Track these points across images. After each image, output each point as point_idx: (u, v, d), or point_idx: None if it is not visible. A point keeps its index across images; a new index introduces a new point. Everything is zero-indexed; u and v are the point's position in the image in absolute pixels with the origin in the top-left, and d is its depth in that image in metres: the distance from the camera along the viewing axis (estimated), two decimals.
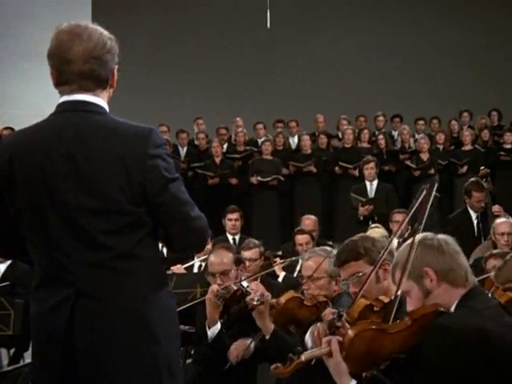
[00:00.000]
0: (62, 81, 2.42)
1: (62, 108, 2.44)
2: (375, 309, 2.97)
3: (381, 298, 3.03)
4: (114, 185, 2.33)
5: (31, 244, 2.43)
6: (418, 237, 2.63)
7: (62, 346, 2.33)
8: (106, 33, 2.45)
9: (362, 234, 3.67)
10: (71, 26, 2.43)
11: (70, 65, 2.39)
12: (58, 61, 2.41)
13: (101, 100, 2.44)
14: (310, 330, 3.20)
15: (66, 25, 2.43)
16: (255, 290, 4.00)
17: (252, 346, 3.96)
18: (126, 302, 2.35)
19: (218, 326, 4.08)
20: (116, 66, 2.47)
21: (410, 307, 2.60)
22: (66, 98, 2.44)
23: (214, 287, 4.06)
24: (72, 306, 2.33)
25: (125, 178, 2.33)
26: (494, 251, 4.97)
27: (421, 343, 2.42)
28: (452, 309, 2.52)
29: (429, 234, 2.66)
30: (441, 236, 2.66)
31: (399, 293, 2.97)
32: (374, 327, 2.48)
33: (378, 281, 3.17)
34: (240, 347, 3.98)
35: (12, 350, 6.57)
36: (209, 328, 4.08)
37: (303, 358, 2.53)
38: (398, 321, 2.53)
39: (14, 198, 2.39)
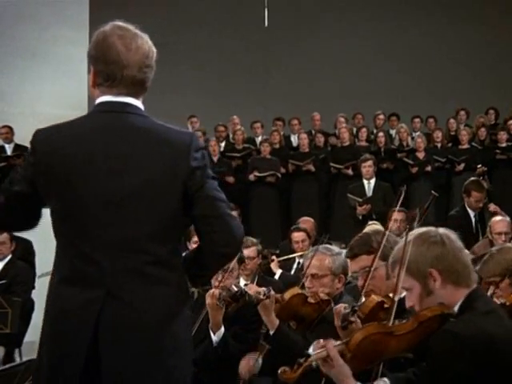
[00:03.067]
0: (110, 83, 2.44)
1: (106, 108, 2.44)
2: (385, 306, 2.98)
3: (390, 295, 3.01)
4: (161, 184, 2.36)
5: (64, 239, 2.39)
6: (420, 232, 2.59)
7: (87, 346, 2.29)
8: (148, 40, 2.52)
9: (375, 228, 3.64)
10: (120, 29, 2.45)
11: (126, 70, 2.42)
12: (110, 63, 2.42)
13: (141, 104, 2.50)
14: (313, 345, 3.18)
15: (111, 27, 2.45)
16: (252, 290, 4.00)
17: (260, 361, 3.95)
18: (155, 313, 2.34)
19: (222, 329, 4.07)
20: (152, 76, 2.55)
21: (409, 303, 2.58)
22: (110, 98, 2.44)
23: (215, 292, 4.01)
24: (101, 307, 2.31)
25: (171, 177, 2.37)
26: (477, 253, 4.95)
27: (427, 348, 2.40)
28: (456, 308, 2.50)
29: (431, 230, 2.61)
30: (443, 231, 2.61)
31: (402, 293, 2.98)
32: (380, 331, 2.47)
33: (388, 277, 3.15)
34: (249, 363, 3.97)
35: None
36: (213, 332, 4.05)
37: (310, 361, 2.49)
38: (403, 320, 2.52)
39: (52, 192, 2.37)
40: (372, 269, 3.13)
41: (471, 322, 2.40)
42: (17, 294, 6.30)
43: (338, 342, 2.57)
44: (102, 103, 2.45)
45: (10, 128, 10.86)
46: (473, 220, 7.53)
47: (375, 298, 3.00)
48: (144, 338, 2.32)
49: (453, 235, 2.60)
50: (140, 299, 2.33)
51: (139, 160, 2.36)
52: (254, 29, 14.11)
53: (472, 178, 7.85)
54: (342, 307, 3.05)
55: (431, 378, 2.39)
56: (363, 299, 3.14)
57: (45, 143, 2.40)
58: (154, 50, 2.52)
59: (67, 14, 12.00)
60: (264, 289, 3.79)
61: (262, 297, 3.74)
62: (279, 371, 2.52)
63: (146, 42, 2.49)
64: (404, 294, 3.11)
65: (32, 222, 2.53)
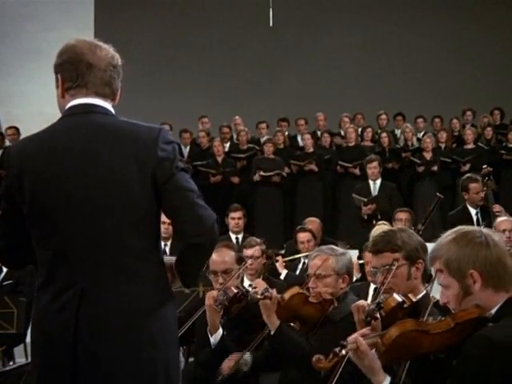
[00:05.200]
0: (79, 82, 2.48)
1: (76, 110, 2.49)
2: (405, 305, 2.99)
3: (410, 295, 3.04)
4: (132, 179, 2.39)
5: (39, 243, 2.43)
6: (464, 230, 2.56)
7: (71, 346, 2.33)
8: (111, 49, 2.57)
9: (401, 226, 3.58)
10: (83, 40, 2.53)
11: (93, 69, 2.48)
12: (77, 63, 2.47)
13: (110, 106, 2.54)
14: None
15: (75, 39, 2.53)
16: (258, 287, 4.00)
17: (248, 357, 3.94)
18: (130, 309, 2.36)
19: (220, 331, 4.05)
20: (120, 85, 2.59)
21: (443, 299, 2.56)
22: (77, 101, 2.49)
23: (213, 293, 4.00)
24: (77, 306, 2.34)
25: (140, 170, 2.40)
26: None
27: (461, 352, 2.38)
28: (493, 311, 2.47)
29: (476, 230, 2.57)
30: (487, 232, 2.57)
31: (420, 294, 2.99)
32: (417, 328, 2.47)
33: (409, 278, 3.16)
34: (233, 360, 3.96)
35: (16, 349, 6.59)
36: (211, 334, 4.04)
37: (344, 352, 2.47)
38: (439, 318, 2.51)
39: (25, 200, 2.42)
40: (394, 267, 3.13)
41: (508, 329, 2.37)
42: (23, 294, 6.31)
43: (372, 335, 2.59)
44: (69, 107, 2.50)
45: (17, 129, 10.90)
46: (474, 218, 7.53)
47: (397, 298, 3.00)
48: (119, 336, 2.34)
49: (497, 237, 2.56)
50: (115, 296, 2.36)
51: (107, 156, 2.40)
52: (259, 29, 14.11)
53: (466, 175, 7.89)
54: (364, 303, 3.04)
55: (461, 381, 2.37)
56: (382, 296, 3.14)
57: (16, 154, 2.48)
58: (119, 57, 2.56)
59: (72, 14, 12.03)
60: (262, 288, 3.79)
61: (259, 296, 3.73)
62: (314, 359, 2.48)
63: (109, 49, 2.54)
64: (422, 294, 3.13)
65: (28, 252, 2.50)
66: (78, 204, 2.37)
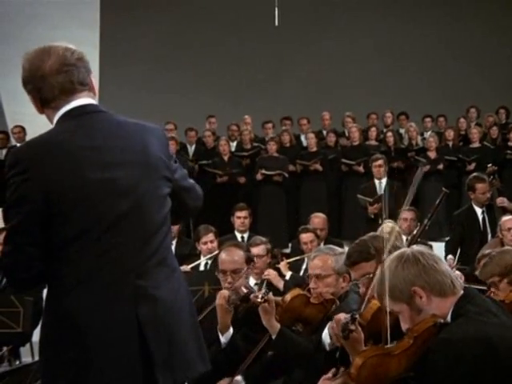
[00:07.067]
0: (47, 98, 2.50)
1: (74, 112, 2.46)
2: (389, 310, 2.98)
3: None
4: (161, 168, 2.50)
5: (77, 243, 2.35)
6: (393, 256, 2.62)
7: (138, 333, 2.36)
8: (72, 46, 2.56)
9: (372, 233, 3.64)
10: (31, 52, 2.57)
11: (47, 79, 2.48)
12: (34, 83, 2.52)
13: (94, 100, 2.54)
14: (328, 325, 3.18)
15: (24, 56, 2.58)
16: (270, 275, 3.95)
17: (239, 379, 3.91)
18: (174, 291, 2.49)
19: (231, 331, 4.03)
20: (92, 74, 2.56)
21: (404, 326, 2.59)
22: (66, 108, 2.47)
23: (225, 293, 3.99)
24: (135, 292, 2.38)
25: (164, 163, 2.51)
26: (485, 252, 4.91)
27: (426, 361, 2.40)
28: (448, 318, 2.51)
29: (403, 250, 2.65)
30: (415, 248, 2.66)
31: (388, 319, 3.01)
32: (378, 353, 2.47)
33: None
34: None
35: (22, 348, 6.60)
36: (221, 334, 4.03)
37: None
38: (394, 342, 2.52)
39: (59, 201, 2.35)
40: (372, 276, 3.11)
41: (465, 326, 2.41)
42: (28, 293, 6.31)
43: (339, 375, 2.62)
44: (63, 115, 2.48)
45: (23, 128, 10.92)
46: (480, 217, 7.52)
47: (376, 303, 2.98)
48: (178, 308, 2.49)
49: (425, 250, 2.64)
50: (163, 286, 2.45)
51: (138, 150, 2.45)
52: (265, 28, 14.10)
53: (473, 174, 7.86)
54: (341, 316, 3.00)
55: None
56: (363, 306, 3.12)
57: (37, 161, 2.38)
58: (74, 49, 2.54)
59: (78, 14, 12.03)
60: (263, 291, 3.78)
61: (259, 300, 3.72)
62: None
63: (60, 48, 2.54)
64: None
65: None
66: (122, 198, 2.40)
